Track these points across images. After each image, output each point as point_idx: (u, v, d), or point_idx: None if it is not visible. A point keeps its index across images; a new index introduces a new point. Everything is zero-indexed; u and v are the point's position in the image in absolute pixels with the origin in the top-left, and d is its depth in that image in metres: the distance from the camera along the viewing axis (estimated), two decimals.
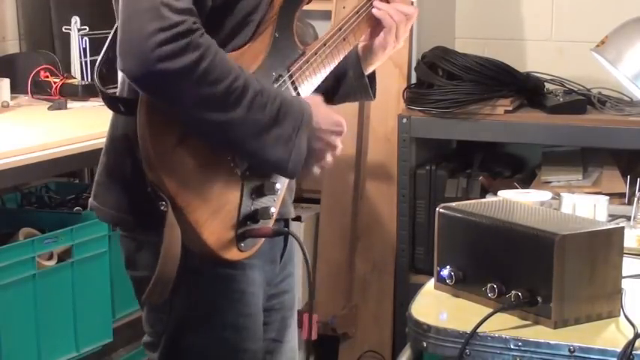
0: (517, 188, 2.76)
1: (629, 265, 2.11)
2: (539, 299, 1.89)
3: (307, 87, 2.00)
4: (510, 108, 3.54)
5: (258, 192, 1.93)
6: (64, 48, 3.77)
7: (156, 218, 1.83)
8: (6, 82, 3.44)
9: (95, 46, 3.64)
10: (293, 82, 1.97)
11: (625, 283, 2.00)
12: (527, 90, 3.63)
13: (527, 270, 1.92)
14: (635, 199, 2.57)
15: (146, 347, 2.05)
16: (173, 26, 1.73)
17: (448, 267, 2.06)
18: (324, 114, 1.96)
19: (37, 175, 3.09)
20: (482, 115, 3.53)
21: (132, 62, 1.75)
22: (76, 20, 3.68)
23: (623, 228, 1.98)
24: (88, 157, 2.93)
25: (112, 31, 1.92)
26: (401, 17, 2.09)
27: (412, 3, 2.14)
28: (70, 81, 3.59)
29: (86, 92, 3.53)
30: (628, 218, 2.57)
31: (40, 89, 3.56)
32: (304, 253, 1.98)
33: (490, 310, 1.90)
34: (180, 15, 1.75)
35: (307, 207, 3.84)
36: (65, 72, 3.66)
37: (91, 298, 3.08)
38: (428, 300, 2.08)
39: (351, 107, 3.57)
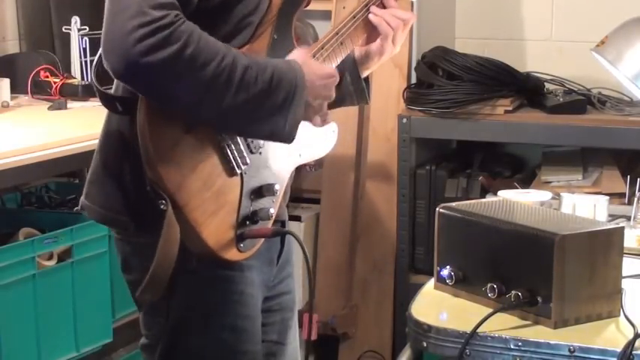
0: (517, 188, 2.76)
1: (629, 265, 2.11)
2: (539, 299, 1.89)
3: None
4: (510, 108, 3.54)
5: (257, 193, 1.93)
6: (64, 48, 3.77)
7: (151, 219, 1.83)
8: (6, 82, 3.44)
9: (95, 46, 3.63)
10: None
11: (625, 283, 2.00)
12: (527, 90, 3.63)
13: (527, 270, 1.92)
14: (635, 199, 2.57)
15: (143, 350, 2.04)
16: (153, 21, 1.73)
17: (448, 267, 2.06)
18: (316, 69, 1.95)
19: (37, 175, 3.08)
20: (482, 115, 3.53)
21: (115, 60, 1.75)
22: (76, 20, 3.68)
23: (623, 228, 1.98)
24: (88, 157, 2.88)
25: None
26: (397, 23, 2.08)
27: (412, 4, 2.14)
28: (70, 81, 3.59)
29: (86, 92, 3.53)
30: (628, 218, 2.57)
31: (40, 89, 3.56)
32: (304, 253, 1.98)
33: (490, 310, 1.90)
34: (160, 10, 1.74)
35: (307, 207, 3.84)
36: (65, 72, 3.66)
37: (91, 298, 3.08)
38: (428, 300, 2.08)
39: (351, 107, 3.56)
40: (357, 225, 3.75)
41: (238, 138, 1.90)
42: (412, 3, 2.15)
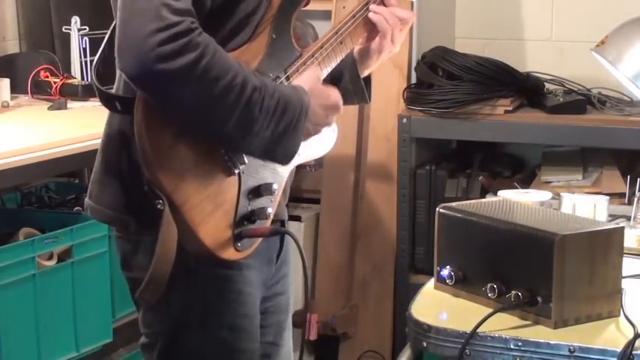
0: (517, 188, 2.76)
1: (629, 265, 2.11)
2: (539, 299, 1.89)
3: None
4: (510, 108, 3.54)
5: (255, 192, 1.93)
6: (64, 48, 3.77)
7: (151, 217, 1.83)
8: (6, 82, 3.44)
9: (95, 46, 3.63)
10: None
11: (625, 283, 2.00)
12: (527, 90, 3.63)
13: (527, 270, 1.92)
14: (635, 199, 2.57)
15: (143, 349, 2.04)
16: (171, 26, 1.73)
17: (448, 267, 2.06)
18: (321, 98, 1.96)
19: (37, 175, 3.09)
20: (482, 115, 3.53)
21: (131, 62, 1.75)
22: (76, 20, 3.68)
23: (623, 228, 1.98)
24: (88, 157, 2.91)
25: (109, 30, 1.92)
26: (396, 22, 2.09)
27: (412, 4, 2.14)
28: (70, 81, 3.59)
29: (86, 92, 3.53)
30: (628, 218, 2.56)
31: (40, 89, 3.56)
32: (300, 252, 1.98)
33: (490, 310, 1.90)
34: (178, 15, 1.74)
35: (307, 207, 3.84)
36: (65, 72, 3.66)
37: (91, 298, 3.08)
38: (428, 300, 2.08)
39: (351, 107, 3.56)
40: (357, 225, 3.75)
41: None
42: (412, 3, 2.16)
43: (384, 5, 2.09)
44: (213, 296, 1.96)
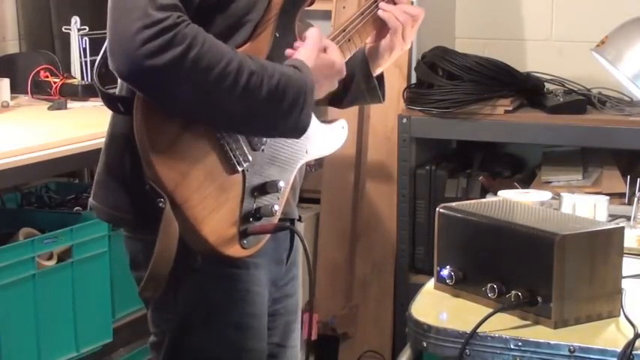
0: (517, 188, 2.76)
1: (629, 265, 2.12)
2: (539, 299, 1.89)
3: None
4: (510, 108, 3.54)
5: (261, 190, 1.93)
6: (64, 48, 3.76)
7: (156, 217, 1.83)
8: (6, 82, 3.44)
9: (95, 46, 3.63)
10: None
11: (625, 283, 2.00)
12: (527, 90, 3.63)
13: (527, 270, 1.92)
14: (635, 199, 2.57)
15: (152, 348, 2.05)
16: (157, 23, 1.74)
17: (448, 267, 2.06)
18: (321, 66, 1.95)
19: (37, 175, 3.09)
20: (482, 115, 3.53)
21: (121, 61, 1.77)
22: (76, 20, 3.67)
23: (623, 228, 1.98)
24: (88, 157, 2.92)
25: None
26: (406, 18, 2.09)
27: (412, 3, 2.14)
28: (70, 81, 3.59)
29: (86, 92, 3.53)
30: (628, 218, 2.56)
31: (40, 89, 3.56)
32: (305, 249, 1.97)
33: (490, 310, 1.90)
34: (164, 12, 1.75)
35: (307, 207, 3.84)
36: (65, 72, 3.65)
37: (91, 298, 3.08)
38: (428, 300, 2.08)
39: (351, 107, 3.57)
40: (357, 225, 3.75)
41: (238, 135, 1.91)
42: (412, 2, 2.15)
43: (394, 3, 2.10)
44: (219, 295, 1.97)
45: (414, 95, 3.62)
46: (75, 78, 3.66)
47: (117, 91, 1.96)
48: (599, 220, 2.34)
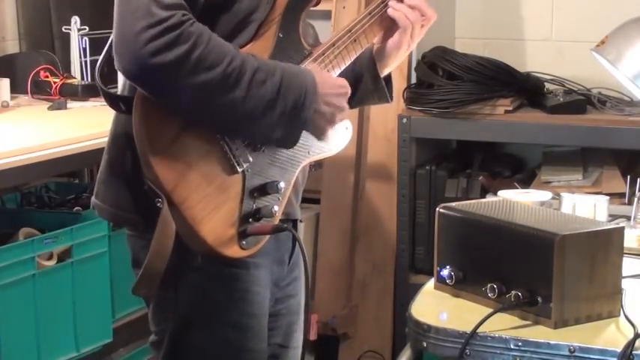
0: (517, 188, 2.76)
1: (629, 265, 2.11)
2: (539, 299, 1.89)
3: None
4: (510, 108, 3.54)
5: (261, 191, 1.93)
6: (64, 48, 3.77)
7: (156, 215, 1.83)
8: (6, 82, 3.44)
9: (95, 46, 3.64)
10: None
11: (625, 283, 2.00)
12: (527, 90, 3.63)
13: (527, 270, 1.92)
14: (635, 199, 2.57)
15: (152, 346, 2.05)
16: (162, 21, 1.75)
17: (448, 267, 2.06)
18: (327, 77, 1.97)
19: (37, 175, 3.09)
20: (482, 115, 3.53)
21: (126, 60, 1.77)
22: (76, 20, 3.68)
23: (623, 228, 1.98)
24: (88, 157, 2.93)
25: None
26: (417, 17, 2.09)
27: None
28: (69, 81, 3.59)
29: (86, 92, 3.53)
30: (628, 218, 2.56)
31: (40, 89, 3.56)
32: (302, 250, 1.98)
33: (490, 310, 1.90)
34: (168, 10, 1.76)
35: (307, 207, 3.83)
36: (65, 72, 3.66)
37: (91, 298, 3.08)
38: (428, 300, 2.08)
39: None
40: (357, 225, 3.75)
41: None
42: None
43: (402, 2, 2.09)
44: (219, 295, 1.97)
45: (414, 95, 3.62)
46: (75, 78, 3.66)
47: (119, 90, 1.96)
48: (599, 220, 2.35)
